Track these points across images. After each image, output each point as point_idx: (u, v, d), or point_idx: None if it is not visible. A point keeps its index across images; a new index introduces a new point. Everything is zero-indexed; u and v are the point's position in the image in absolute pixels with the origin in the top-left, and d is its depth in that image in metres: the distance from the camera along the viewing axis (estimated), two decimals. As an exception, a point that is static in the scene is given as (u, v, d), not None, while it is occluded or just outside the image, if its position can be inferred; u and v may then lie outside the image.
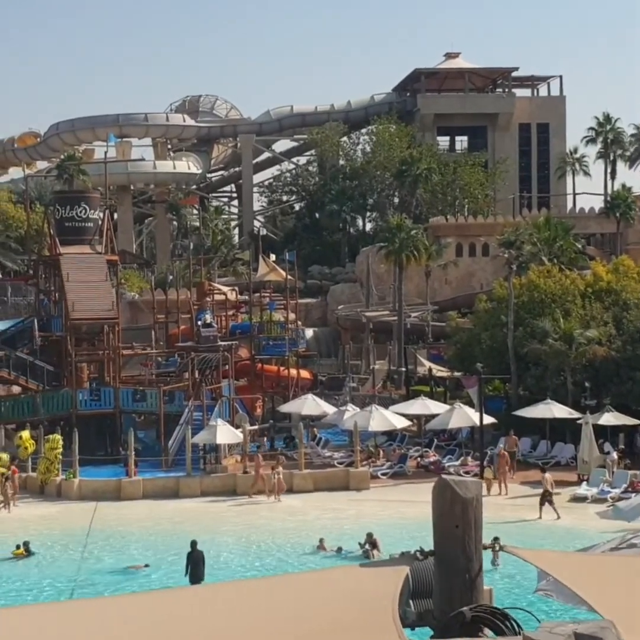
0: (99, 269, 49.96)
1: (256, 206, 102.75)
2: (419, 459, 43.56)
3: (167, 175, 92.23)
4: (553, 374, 45.29)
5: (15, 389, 50.62)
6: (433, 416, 44.49)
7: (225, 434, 40.84)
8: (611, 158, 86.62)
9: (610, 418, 41.33)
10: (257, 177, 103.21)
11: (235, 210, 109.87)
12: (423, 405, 45.37)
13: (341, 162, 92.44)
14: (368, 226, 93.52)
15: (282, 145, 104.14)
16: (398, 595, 6.77)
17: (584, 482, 38.47)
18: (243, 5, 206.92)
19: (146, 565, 29.60)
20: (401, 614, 6.93)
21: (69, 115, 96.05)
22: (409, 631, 7.44)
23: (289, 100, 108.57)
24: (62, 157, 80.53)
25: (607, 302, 48.09)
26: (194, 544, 27.82)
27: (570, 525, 33.55)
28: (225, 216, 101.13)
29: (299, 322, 60.26)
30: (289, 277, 57.33)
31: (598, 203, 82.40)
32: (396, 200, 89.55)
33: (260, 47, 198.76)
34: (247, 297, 59.91)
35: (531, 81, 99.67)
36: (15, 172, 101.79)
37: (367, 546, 29.95)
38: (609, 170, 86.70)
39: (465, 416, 42.34)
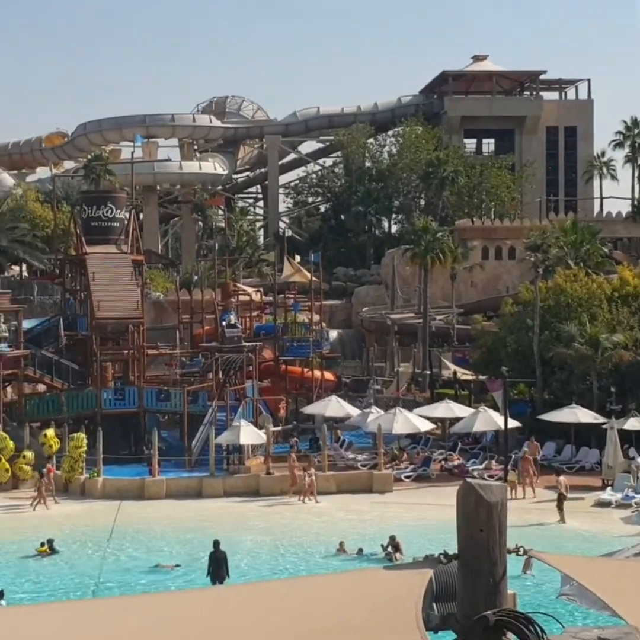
0: (125, 269, 50.13)
1: (281, 207, 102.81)
2: (442, 462, 43.46)
3: (193, 176, 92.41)
4: (578, 379, 45.10)
5: (41, 387, 50.86)
6: (457, 419, 44.37)
7: (248, 434, 40.86)
8: (639, 162, 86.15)
9: (635, 423, 41.11)
10: (283, 179, 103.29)
11: (260, 211, 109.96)
12: (447, 409, 45.23)
13: (367, 163, 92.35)
14: (394, 228, 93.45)
15: (308, 146, 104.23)
16: (422, 598, 6.73)
17: (609, 487, 38.29)
18: (271, 7, 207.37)
19: (177, 565, 29.55)
20: (424, 617, 6.88)
21: (97, 116, 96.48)
22: (432, 634, 7.40)
23: (315, 102, 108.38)
24: (89, 157, 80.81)
25: (633, 307, 47.86)
26: (216, 544, 27.87)
27: (595, 530, 33.39)
28: (251, 217, 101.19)
29: (324, 324, 60.26)
30: (313, 278, 57.33)
31: (625, 207, 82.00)
32: (422, 202, 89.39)
33: (287, 49, 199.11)
34: (271, 298, 59.98)
35: (559, 84, 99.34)
36: (42, 172, 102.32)
37: (389, 549, 29.90)
38: (636, 174, 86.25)
39: (490, 420, 42.20)
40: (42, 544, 31.31)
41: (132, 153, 70.60)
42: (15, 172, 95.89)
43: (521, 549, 7.99)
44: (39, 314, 60.86)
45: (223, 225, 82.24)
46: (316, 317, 57.07)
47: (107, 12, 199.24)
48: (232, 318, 50.34)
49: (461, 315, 65.57)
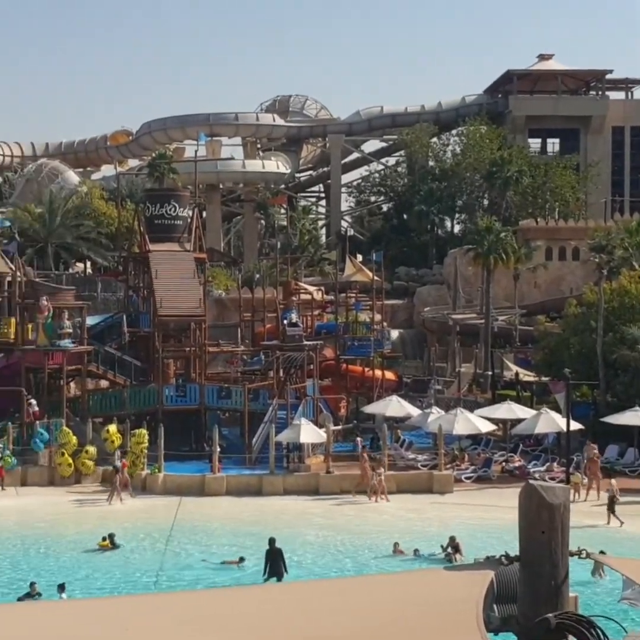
0: (187, 267, 50.41)
1: (344, 206, 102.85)
2: (503, 463, 43.16)
3: (255, 175, 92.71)
4: (642, 381, 44.57)
5: (104, 383, 51.34)
6: (519, 421, 44.04)
7: (308, 433, 40.89)
8: None
9: (700, 427, 40.57)
10: (346, 178, 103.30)
11: (323, 210, 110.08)
12: (509, 410, 44.91)
13: (430, 163, 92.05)
14: (456, 228, 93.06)
15: (371, 145, 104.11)
16: (482, 599, 6.68)
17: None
18: (334, 6, 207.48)
19: (241, 559, 29.57)
20: (485, 618, 6.83)
21: (161, 114, 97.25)
22: (492, 636, 7.35)
23: (379, 101, 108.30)
24: (153, 155, 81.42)
25: (699, 309, 47.18)
26: (272, 541, 27.97)
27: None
28: (313, 216, 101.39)
29: (385, 323, 60.14)
30: (375, 278, 57.25)
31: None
32: (485, 202, 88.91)
33: (351, 48, 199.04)
34: (333, 297, 59.97)
35: (625, 84, 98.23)
36: (107, 170, 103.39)
37: (449, 550, 29.77)
38: None
39: (552, 422, 41.86)
40: (104, 539, 31.59)
41: (196, 151, 71.19)
42: (80, 170, 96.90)
43: (583, 552, 7.91)
44: (103, 310, 61.45)
45: (285, 223, 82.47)
46: (377, 317, 56.97)
47: (173, 11, 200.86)
48: (294, 316, 50.39)
49: (524, 316, 65.12)
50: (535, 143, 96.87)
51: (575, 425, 40.76)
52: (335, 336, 54.93)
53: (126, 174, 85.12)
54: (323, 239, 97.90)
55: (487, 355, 57.97)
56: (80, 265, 76.84)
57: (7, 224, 65.60)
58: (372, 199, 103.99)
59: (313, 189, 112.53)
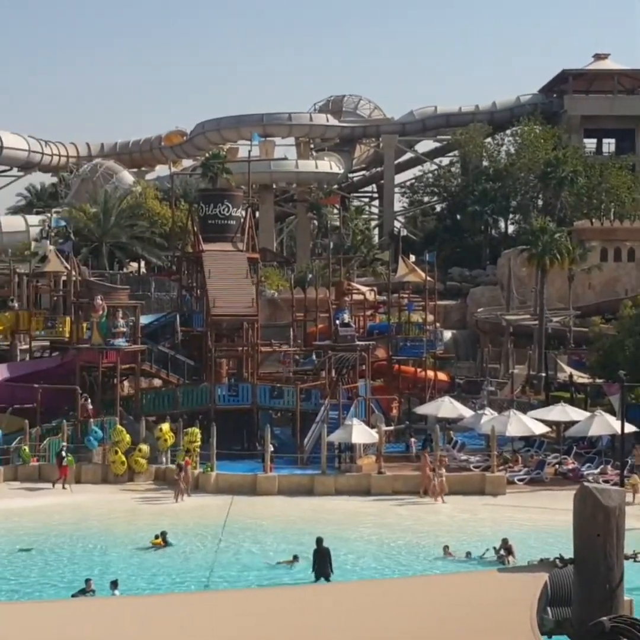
0: (240, 266, 50.57)
1: (397, 206, 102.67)
2: (557, 466, 42.84)
3: (309, 175, 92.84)
4: (699, 384, 44.06)
5: (157, 382, 51.67)
6: (573, 423, 43.69)
7: (360, 433, 40.85)
8: None
9: None
10: (399, 178, 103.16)
11: (376, 210, 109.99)
12: (563, 412, 44.56)
13: (484, 163, 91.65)
14: (510, 228, 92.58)
15: (425, 145, 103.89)
16: (536, 601, 6.63)
17: None
18: (389, 6, 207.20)
19: (295, 558, 29.50)
20: (539, 621, 6.78)
21: (215, 115, 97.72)
22: (546, 639, 7.30)
23: (432, 101, 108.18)
24: (206, 155, 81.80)
25: None
26: (319, 541, 27.96)
27: None
28: (366, 216, 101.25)
29: (438, 324, 59.95)
30: (428, 278, 57.08)
31: None
32: (540, 202, 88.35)
33: (405, 48, 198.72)
34: (385, 298, 59.86)
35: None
36: (161, 170, 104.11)
37: (502, 552, 29.59)
38: None
39: (606, 424, 41.48)
40: (157, 536, 31.75)
41: (249, 151, 71.31)
42: (135, 170, 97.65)
43: (639, 555, 7.82)
44: (156, 310, 61.89)
45: (338, 224, 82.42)
46: (430, 317, 56.81)
47: (228, 12, 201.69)
48: (346, 317, 50.36)
49: (578, 318, 64.62)
50: (590, 143, 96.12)
51: (629, 428, 40.34)
52: (387, 337, 54.86)
53: (180, 174, 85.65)
54: (376, 239, 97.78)
55: (541, 357, 57.58)
56: (134, 264, 77.41)
57: (63, 223, 66.22)
58: (426, 199, 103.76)
59: (366, 189, 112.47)
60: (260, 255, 56.55)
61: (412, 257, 64.93)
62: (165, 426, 42.54)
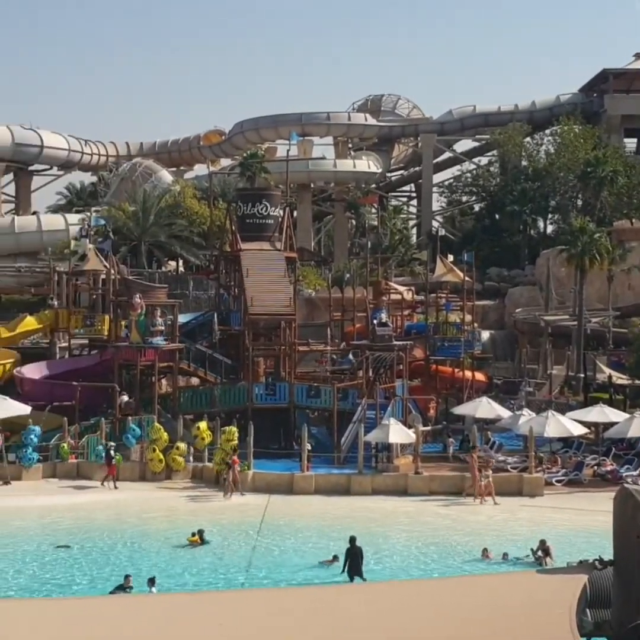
0: (278, 266, 50.62)
1: (435, 206, 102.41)
2: (595, 467, 42.55)
3: (347, 174, 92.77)
4: None
5: (194, 380, 51.81)
6: (611, 424, 43.38)
7: (397, 433, 40.78)
8: None
9: None
10: (437, 177, 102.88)
11: (414, 209, 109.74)
12: (601, 413, 44.26)
13: (523, 162, 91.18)
14: (549, 228, 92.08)
15: (464, 145, 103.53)
16: (576, 603, 6.57)
17: None
18: (427, 6, 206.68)
19: (335, 557, 29.39)
20: (578, 622, 6.72)
21: (253, 114, 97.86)
22: (585, 641, 7.22)
23: (471, 100, 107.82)
24: (245, 154, 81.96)
25: None
26: (353, 539, 27.90)
27: None
28: (404, 216, 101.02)
29: (476, 324, 59.74)
30: (466, 278, 56.89)
31: None
32: (579, 202, 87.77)
33: (444, 47, 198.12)
34: (423, 297, 59.71)
35: None
36: (199, 169, 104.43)
37: (539, 553, 29.43)
38: None
39: (645, 425, 41.16)
40: (194, 534, 31.86)
41: (288, 151, 71.38)
42: (173, 169, 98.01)
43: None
44: (194, 308, 62.10)
45: (376, 223, 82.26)
46: (468, 317, 56.61)
47: (266, 12, 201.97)
48: (384, 316, 50.28)
49: (617, 318, 64.16)
50: (630, 143, 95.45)
51: (669, 430, 40.03)
52: (425, 336, 54.74)
53: (218, 174, 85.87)
54: (414, 238, 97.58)
55: (580, 358, 57.22)
56: (172, 263, 77.71)
57: (102, 222, 66.56)
58: (464, 198, 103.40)
59: (404, 188, 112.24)
60: (297, 254, 56.56)
61: (450, 257, 64.65)
62: (203, 424, 42.65)
